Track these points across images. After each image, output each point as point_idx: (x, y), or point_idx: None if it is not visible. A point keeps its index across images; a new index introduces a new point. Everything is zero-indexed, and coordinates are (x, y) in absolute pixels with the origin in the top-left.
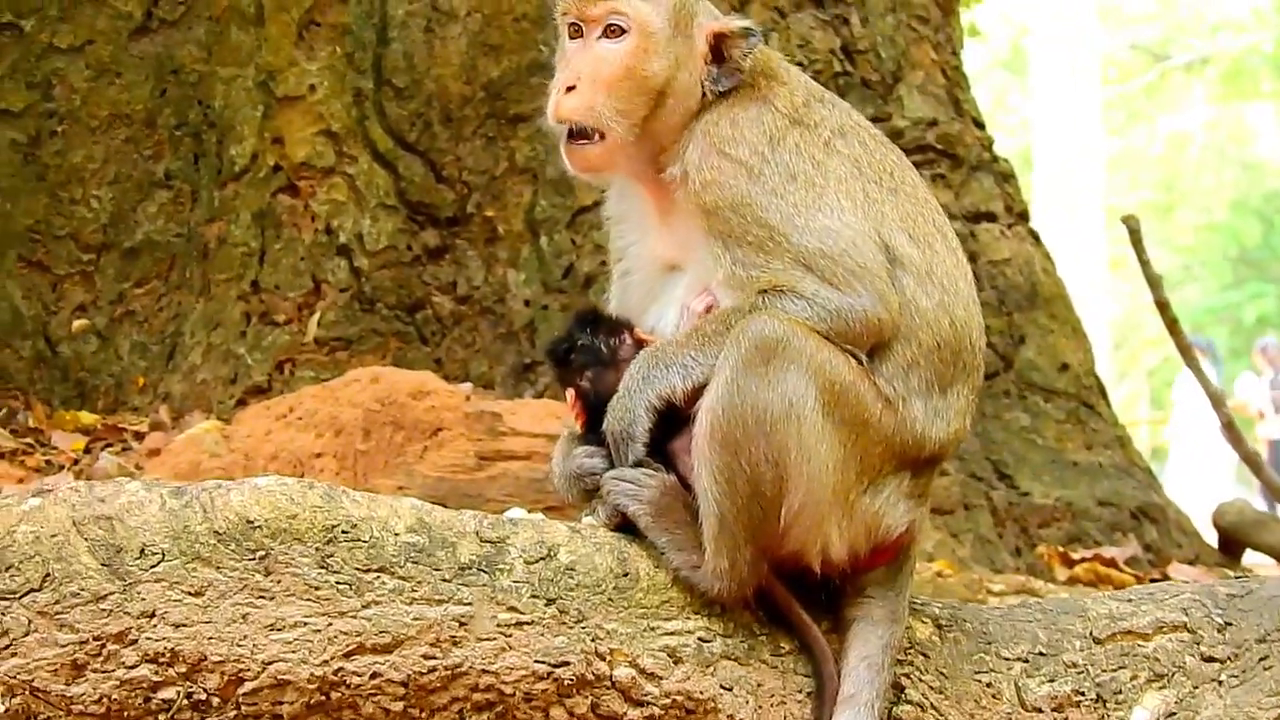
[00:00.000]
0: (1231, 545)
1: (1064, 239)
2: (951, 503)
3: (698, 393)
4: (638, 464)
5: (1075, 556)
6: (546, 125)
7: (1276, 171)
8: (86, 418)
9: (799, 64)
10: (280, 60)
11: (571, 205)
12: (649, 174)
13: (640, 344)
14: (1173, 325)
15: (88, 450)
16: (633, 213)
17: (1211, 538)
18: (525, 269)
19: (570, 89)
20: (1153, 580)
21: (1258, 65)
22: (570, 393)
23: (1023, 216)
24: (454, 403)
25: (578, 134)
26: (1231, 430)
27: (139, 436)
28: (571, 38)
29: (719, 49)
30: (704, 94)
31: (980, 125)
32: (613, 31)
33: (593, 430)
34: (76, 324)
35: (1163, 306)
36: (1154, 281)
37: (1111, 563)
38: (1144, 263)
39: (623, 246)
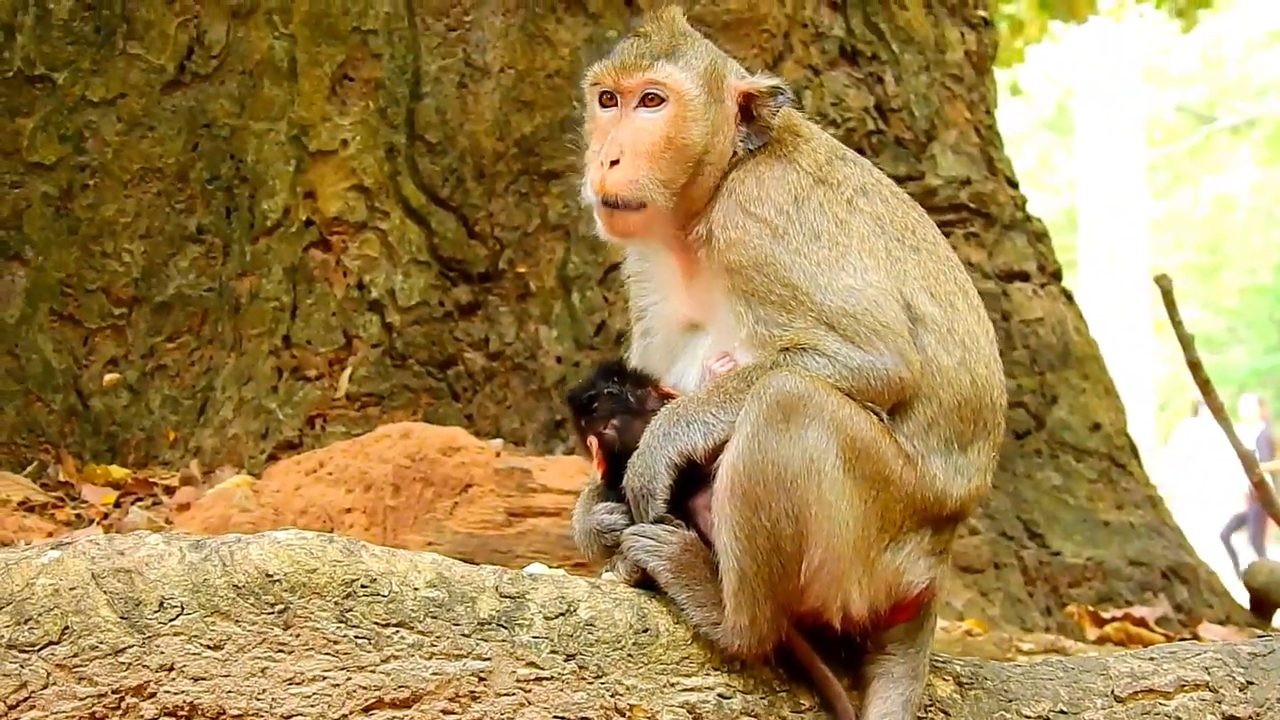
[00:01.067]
0: (1263, 606)
1: (1108, 300)
2: (982, 562)
3: (719, 450)
4: (658, 520)
5: (1105, 616)
6: (585, 197)
7: None
8: (117, 472)
9: (832, 123)
10: (313, 115)
11: (603, 262)
12: (675, 233)
13: (665, 397)
14: (1205, 385)
15: (118, 504)
16: (655, 271)
17: (1243, 598)
18: (557, 325)
19: (614, 163)
20: (1182, 640)
21: None
22: (593, 441)
23: (1056, 276)
24: (484, 459)
25: (617, 203)
26: (1262, 490)
27: (169, 491)
28: (604, 106)
29: (748, 108)
30: (734, 153)
31: (1014, 184)
32: (650, 101)
33: (613, 485)
34: (108, 378)
35: (1194, 366)
36: (1186, 342)
37: (1142, 622)
38: (1176, 323)
39: (644, 306)
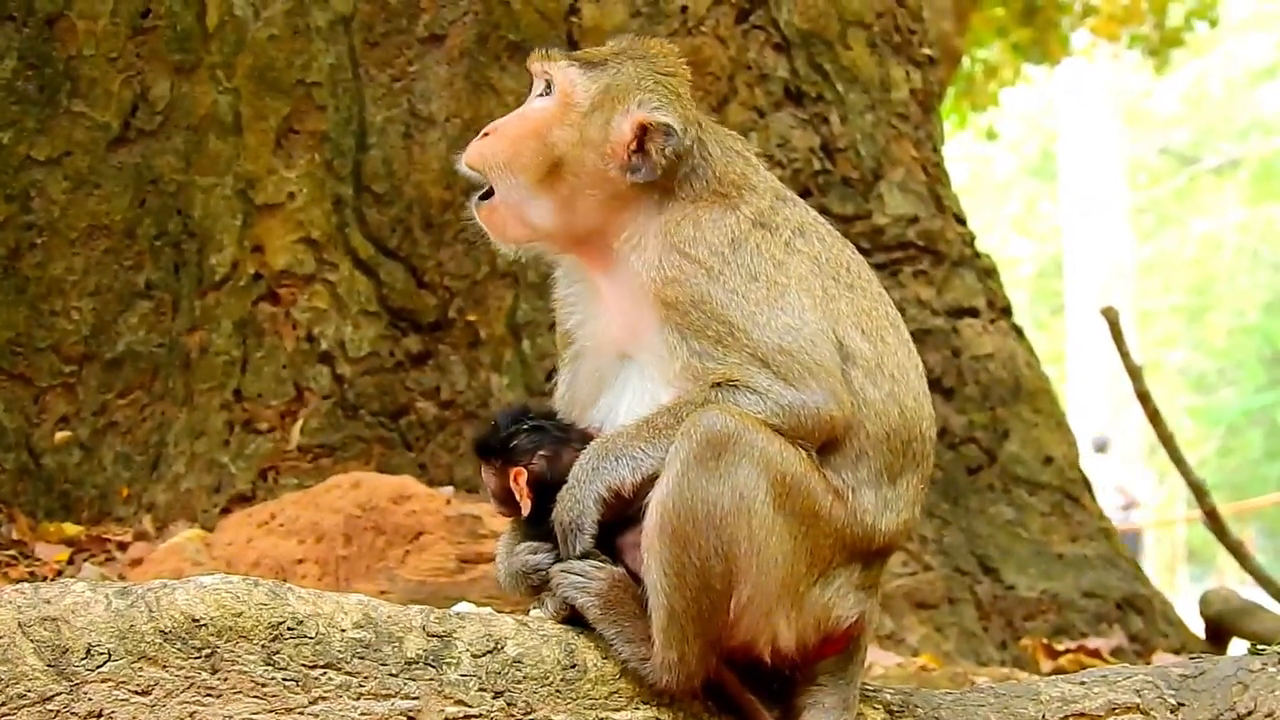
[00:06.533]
0: (1218, 634)
1: (1095, 344)
2: (936, 597)
3: (647, 485)
4: (584, 555)
5: (1059, 648)
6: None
7: None
8: (70, 529)
9: (779, 164)
10: (259, 168)
11: (553, 308)
12: (600, 263)
13: (585, 436)
14: (1154, 416)
15: (71, 561)
16: (585, 297)
17: (1198, 627)
18: (508, 373)
19: (485, 135)
20: None
21: None
22: (519, 474)
23: (1005, 311)
24: (434, 506)
25: (486, 192)
26: (1214, 519)
27: (123, 547)
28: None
29: (642, 140)
30: (631, 183)
31: (961, 221)
32: (545, 91)
33: (537, 523)
34: (59, 435)
35: (1144, 398)
36: (1134, 373)
37: (1095, 653)
38: (1124, 354)
39: (572, 328)
